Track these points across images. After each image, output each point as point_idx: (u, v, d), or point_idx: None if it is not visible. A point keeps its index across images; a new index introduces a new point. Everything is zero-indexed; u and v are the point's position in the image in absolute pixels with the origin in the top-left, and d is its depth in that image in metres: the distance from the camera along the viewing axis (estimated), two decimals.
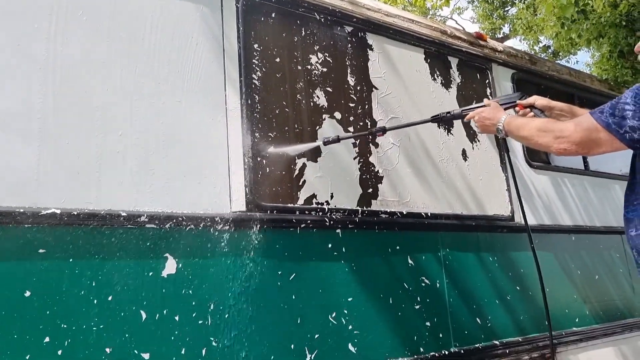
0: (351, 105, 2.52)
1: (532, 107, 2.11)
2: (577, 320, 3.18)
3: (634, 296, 3.67)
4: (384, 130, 2.35)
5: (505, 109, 2.09)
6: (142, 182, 1.84)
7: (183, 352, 1.78)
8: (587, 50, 7.25)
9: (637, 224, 1.72)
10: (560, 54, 10.48)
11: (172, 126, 1.97)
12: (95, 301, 1.65)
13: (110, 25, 1.92)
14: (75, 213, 1.68)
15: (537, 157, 3.52)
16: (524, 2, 9.59)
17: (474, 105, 2.24)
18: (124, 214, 1.76)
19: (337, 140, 2.32)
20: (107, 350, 1.64)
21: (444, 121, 2.43)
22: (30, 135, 1.67)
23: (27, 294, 1.55)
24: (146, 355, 1.70)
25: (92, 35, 1.87)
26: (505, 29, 12.27)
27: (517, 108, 2.14)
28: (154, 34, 2.02)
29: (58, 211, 1.64)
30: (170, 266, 1.82)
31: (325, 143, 2.31)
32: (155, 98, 1.95)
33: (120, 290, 1.71)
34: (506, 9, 11.84)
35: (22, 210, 1.59)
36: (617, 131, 1.64)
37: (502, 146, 2.31)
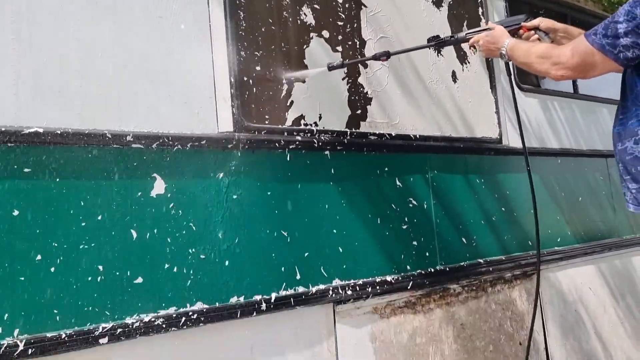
0: (339, 23, 2.44)
1: (536, 29, 2.08)
2: (559, 240, 3.28)
3: (615, 217, 3.77)
4: (387, 55, 2.29)
5: (509, 31, 2.07)
6: (126, 102, 1.79)
7: (175, 270, 1.81)
8: None
9: (623, 137, 1.74)
10: None
11: (154, 44, 1.89)
12: (84, 220, 1.65)
13: None
14: (59, 132, 1.64)
15: (527, 80, 3.49)
16: None
17: (479, 28, 2.21)
18: (109, 134, 1.72)
19: (342, 65, 2.27)
20: (100, 267, 1.66)
21: (448, 44, 2.38)
22: (5, 52, 1.60)
23: (16, 212, 1.55)
24: (138, 273, 1.72)
25: None
26: None
27: (521, 31, 2.11)
28: None
29: (41, 130, 1.60)
30: (159, 186, 1.81)
31: (330, 68, 2.25)
32: (136, 15, 1.86)
33: (108, 210, 1.70)
34: None
35: (3, 129, 1.55)
36: (611, 52, 1.63)
37: (506, 70, 2.31)
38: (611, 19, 1.65)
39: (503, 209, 2.99)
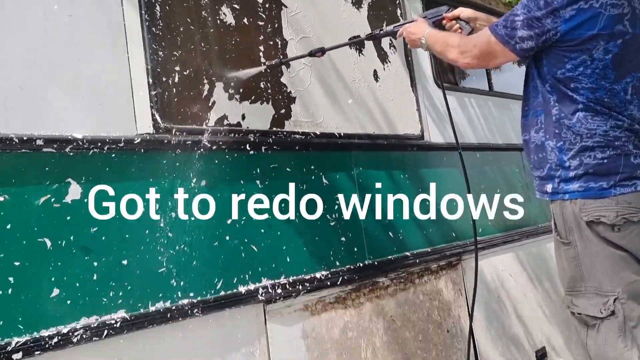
0: (260, 23, 2.44)
1: (457, 19, 2.18)
2: (480, 230, 3.42)
3: (530, 206, 4.00)
4: (323, 51, 2.38)
5: (434, 23, 2.17)
6: (35, 104, 1.70)
7: (95, 278, 1.74)
8: None
9: (527, 128, 1.86)
10: None
11: (64, 44, 1.81)
12: None
13: None
14: None
15: (445, 78, 3.64)
16: None
17: (404, 21, 2.35)
18: (15, 138, 1.63)
19: (280, 63, 2.36)
20: (10, 279, 1.56)
21: (378, 38, 2.53)
22: None
23: None
24: (54, 282, 1.65)
25: None
26: None
27: (444, 21, 2.21)
28: None
29: None
30: (74, 192, 1.73)
31: (268, 67, 2.34)
32: (43, 13, 1.78)
33: (20, 218, 1.61)
34: None
35: None
36: (508, 42, 1.74)
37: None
38: (511, 12, 1.77)
39: (427, 202, 3.09)
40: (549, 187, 1.78)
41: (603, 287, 1.63)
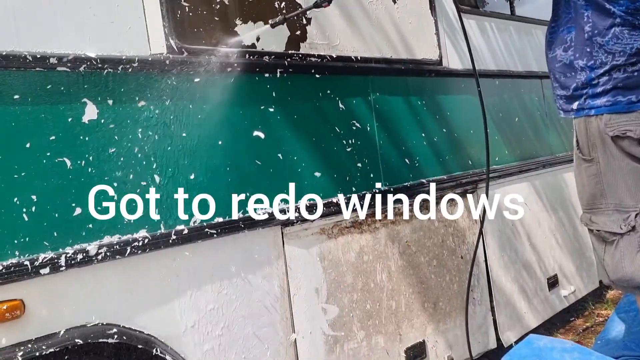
0: None
1: None
2: (497, 158, 3.40)
3: (548, 136, 3.94)
4: (329, 0, 2.18)
5: None
6: (45, 22, 1.66)
7: (115, 197, 1.76)
8: None
9: (554, 45, 1.79)
10: None
11: None
12: (12, 148, 1.56)
13: None
14: None
15: (466, 1, 3.49)
16: None
17: None
18: (29, 56, 1.61)
19: (284, 20, 2.20)
20: (33, 197, 1.59)
21: None
22: None
23: None
24: (75, 201, 1.67)
25: None
26: None
27: None
28: None
29: None
30: (91, 112, 1.72)
31: (273, 26, 2.19)
32: None
33: (40, 137, 1.62)
34: None
35: None
36: None
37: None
38: None
39: (444, 129, 3.06)
40: (574, 105, 1.73)
41: (624, 202, 1.61)
